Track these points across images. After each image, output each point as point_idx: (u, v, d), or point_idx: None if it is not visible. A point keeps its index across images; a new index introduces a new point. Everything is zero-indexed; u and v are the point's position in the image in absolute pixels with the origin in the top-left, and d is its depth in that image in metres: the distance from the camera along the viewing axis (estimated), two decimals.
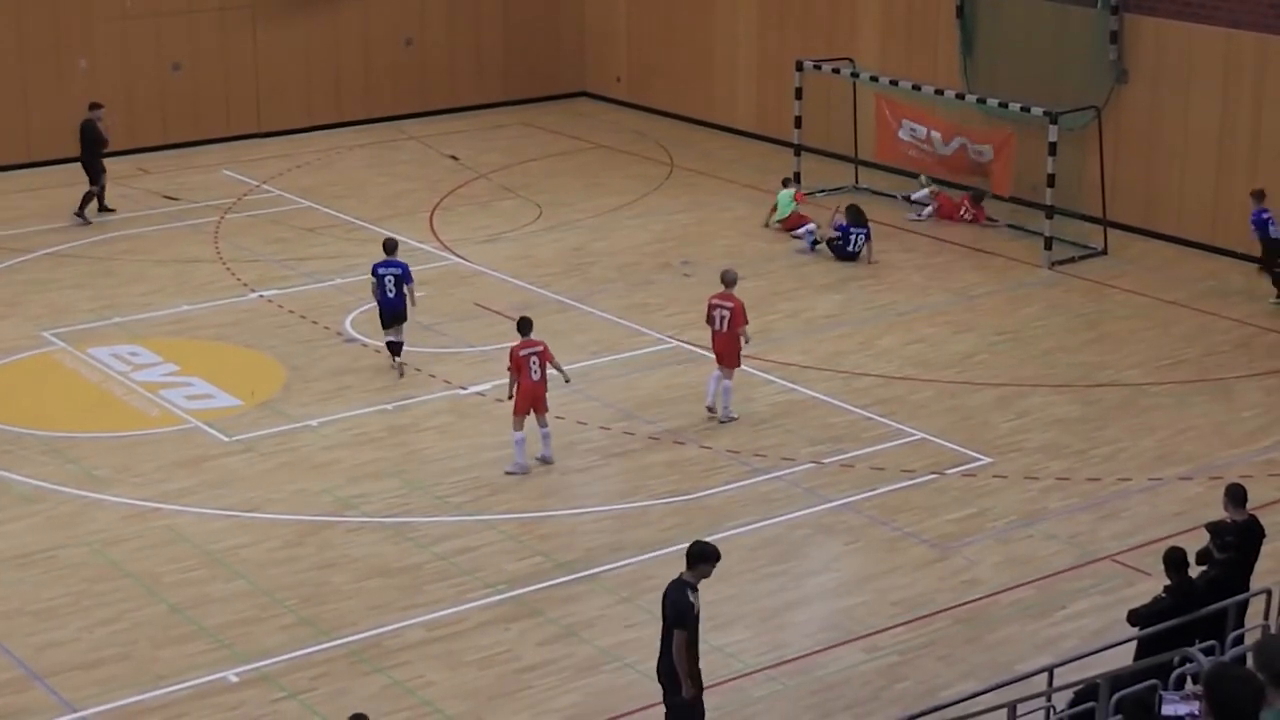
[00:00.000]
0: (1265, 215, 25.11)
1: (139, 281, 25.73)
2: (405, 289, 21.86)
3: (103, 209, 28.92)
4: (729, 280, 20.72)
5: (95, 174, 28.70)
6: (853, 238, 26.76)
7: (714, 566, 13.15)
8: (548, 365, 19.16)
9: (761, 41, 33.76)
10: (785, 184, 28.73)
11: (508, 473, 19.07)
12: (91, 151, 28.67)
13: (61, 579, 16.89)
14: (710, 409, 20.68)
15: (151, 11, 32.76)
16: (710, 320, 20.64)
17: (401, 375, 21.86)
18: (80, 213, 28.53)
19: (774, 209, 28.46)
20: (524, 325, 19.32)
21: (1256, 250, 26.29)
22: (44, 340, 23.33)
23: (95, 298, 24.99)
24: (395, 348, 22.02)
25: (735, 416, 20.64)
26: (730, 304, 20.46)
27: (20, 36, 31.67)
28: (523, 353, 19.01)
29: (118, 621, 16.09)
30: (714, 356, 20.83)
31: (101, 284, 25.61)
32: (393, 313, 21.96)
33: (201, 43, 33.36)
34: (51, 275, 26.03)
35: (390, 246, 22.37)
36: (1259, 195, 25.36)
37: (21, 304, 24.74)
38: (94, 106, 29.09)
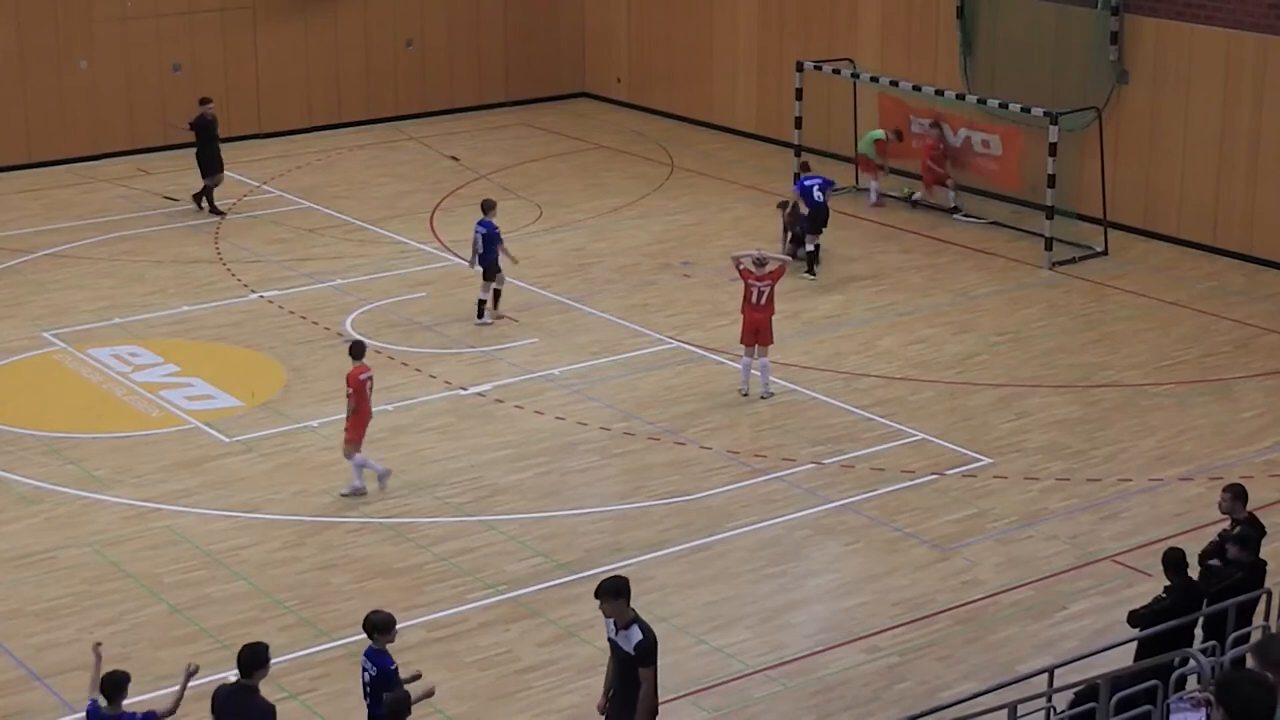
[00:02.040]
0: (809, 182, 26.42)
1: (139, 282, 25.73)
2: (497, 247, 23.63)
3: (213, 210, 29.00)
4: (761, 262, 21.35)
5: (211, 169, 28.89)
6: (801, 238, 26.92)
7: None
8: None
9: (761, 42, 33.76)
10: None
11: (343, 495, 18.57)
12: (210, 146, 28.84)
13: (61, 580, 16.90)
14: (744, 393, 21.29)
15: (151, 12, 32.77)
16: (747, 295, 21.29)
17: (486, 322, 23.78)
18: (212, 207, 28.95)
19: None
20: (359, 350, 18.83)
21: (1256, 250, 26.39)
22: (44, 341, 23.34)
23: (95, 298, 24.99)
24: (484, 303, 23.81)
25: (773, 393, 21.21)
26: (766, 282, 21.18)
27: (20, 36, 31.68)
28: (362, 376, 18.53)
29: (118, 622, 16.10)
30: (740, 336, 21.46)
31: (102, 284, 25.61)
32: (483, 267, 23.69)
33: (201, 43, 33.37)
34: (52, 276, 26.04)
35: (485, 206, 23.99)
36: (805, 166, 27.41)
37: (22, 304, 24.75)
38: (204, 101, 29.31)
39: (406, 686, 12.61)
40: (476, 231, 23.79)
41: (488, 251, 23.68)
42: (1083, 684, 13.22)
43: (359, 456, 18.55)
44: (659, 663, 12.56)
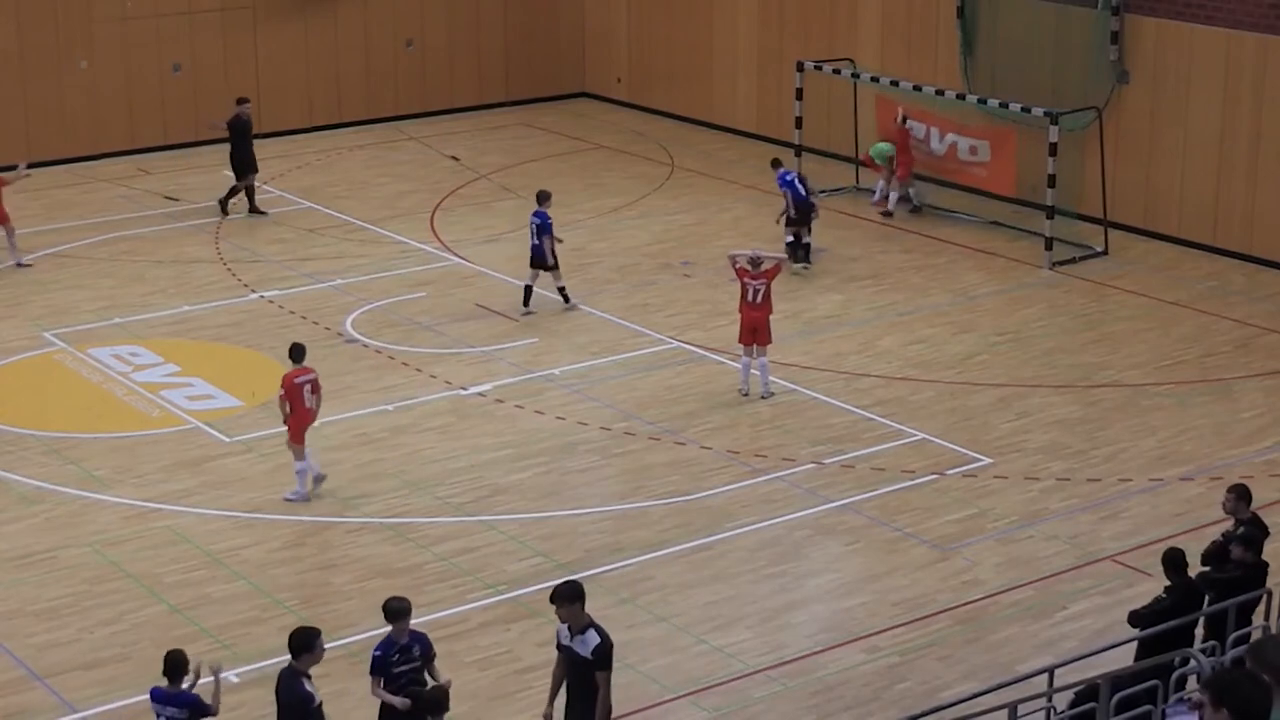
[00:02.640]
0: (790, 177, 26.50)
1: (139, 282, 25.73)
2: (544, 239, 23.95)
3: (253, 210, 28.98)
4: (756, 261, 21.44)
5: (245, 169, 28.86)
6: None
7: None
8: (319, 395, 18.72)
9: (761, 42, 33.77)
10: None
11: (287, 499, 18.51)
12: (244, 147, 28.84)
13: (62, 580, 16.90)
14: (744, 393, 21.32)
15: (151, 12, 32.78)
16: (744, 293, 21.37)
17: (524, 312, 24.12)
18: (251, 206, 29.00)
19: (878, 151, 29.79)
20: (297, 353, 18.78)
21: (1256, 250, 26.41)
22: (45, 341, 23.34)
23: (96, 298, 25.00)
24: (527, 292, 24.20)
25: (773, 393, 21.25)
26: (761, 281, 21.29)
27: (20, 36, 31.68)
28: (298, 380, 18.48)
29: (118, 622, 16.10)
30: (737, 335, 21.55)
31: (102, 284, 25.61)
32: (532, 257, 24.16)
33: (201, 43, 33.37)
34: (52, 276, 26.04)
35: (540, 197, 24.40)
36: (776, 163, 27.07)
37: (22, 304, 24.75)
38: (241, 101, 29.31)
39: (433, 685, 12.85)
40: (531, 221, 24.23)
41: (538, 240, 24.04)
42: (1083, 684, 13.22)
43: (299, 464, 18.48)
44: (616, 667, 12.67)
